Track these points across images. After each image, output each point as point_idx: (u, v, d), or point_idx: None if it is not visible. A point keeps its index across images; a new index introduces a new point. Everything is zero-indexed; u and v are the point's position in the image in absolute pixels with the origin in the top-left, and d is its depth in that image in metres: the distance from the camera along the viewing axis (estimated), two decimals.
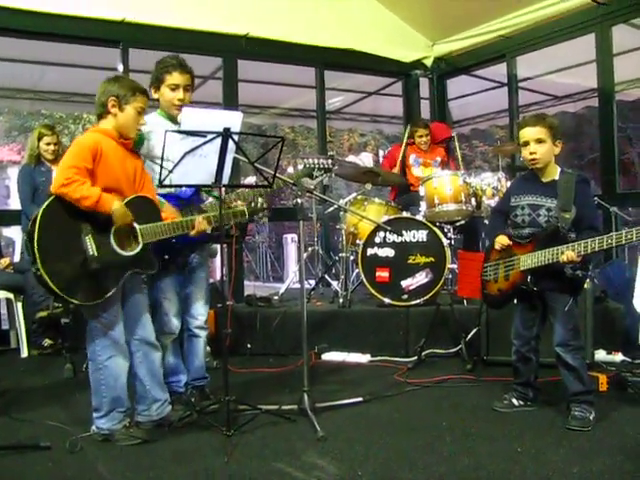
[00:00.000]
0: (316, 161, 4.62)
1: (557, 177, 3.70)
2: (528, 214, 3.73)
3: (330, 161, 4.78)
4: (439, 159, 7.12)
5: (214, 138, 3.42)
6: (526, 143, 3.67)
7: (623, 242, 3.24)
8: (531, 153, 3.65)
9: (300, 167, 4.59)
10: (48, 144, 6.03)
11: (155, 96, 3.94)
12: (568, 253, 3.40)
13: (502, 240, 3.83)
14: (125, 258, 3.39)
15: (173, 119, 3.91)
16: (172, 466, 3.13)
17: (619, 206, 6.41)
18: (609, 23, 6.70)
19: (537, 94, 9.75)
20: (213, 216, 3.63)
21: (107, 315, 3.43)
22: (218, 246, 5.23)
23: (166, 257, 3.66)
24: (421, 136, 7.06)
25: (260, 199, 3.88)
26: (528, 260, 3.64)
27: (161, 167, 3.39)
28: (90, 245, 3.28)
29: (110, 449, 3.37)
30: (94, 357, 3.48)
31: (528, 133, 3.67)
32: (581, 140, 16.25)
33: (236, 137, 3.49)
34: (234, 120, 3.49)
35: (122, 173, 3.49)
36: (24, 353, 5.93)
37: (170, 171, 3.39)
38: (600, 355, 4.99)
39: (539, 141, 3.64)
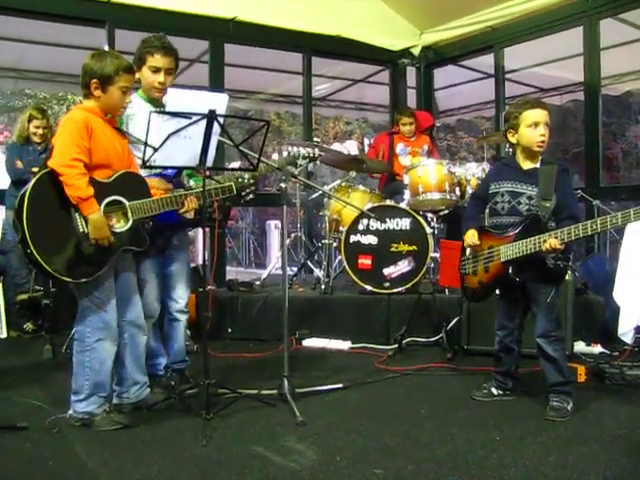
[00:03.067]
0: (301, 150, 4.60)
1: (538, 165, 3.69)
2: (508, 201, 3.69)
3: (315, 150, 4.75)
4: (426, 147, 7.10)
5: (199, 120, 3.39)
6: (536, 124, 3.60)
7: (608, 227, 3.18)
8: (542, 135, 3.61)
9: (285, 154, 4.57)
10: (37, 127, 6.08)
11: (137, 75, 3.89)
12: (551, 241, 3.37)
13: (471, 239, 3.81)
14: (116, 235, 3.35)
15: (154, 102, 3.86)
16: (150, 449, 3.12)
17: (602, 200, 6.46)
18: (597, 17, 6.73)
19: (523, 86, 9.77)
20: (201, 192, 3.56)
21: (100, 295, 3.38)
22: (199, 230, 5.22)
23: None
24: (405, 124, 7.02)
25: (246, 175, 3.83)
26: (509, 251, 3.60)
27: (145, 147, 3.34)
28: (81, 222, 3.25)
29: (88, 431, 3.35)
30: (82, 338, 3.41)
31: (541, 115, 3.61)
32: (566, 134, 16.29)
33: (221, 120, 3.46)
34: (220, 102, 3.45)
35: (112, 149, 3.44)
36: (3, 334, 5.88)
37: (155, 150, 3.33)
38: (579, 346, 5.03)
39: (547, 124, 3.62)
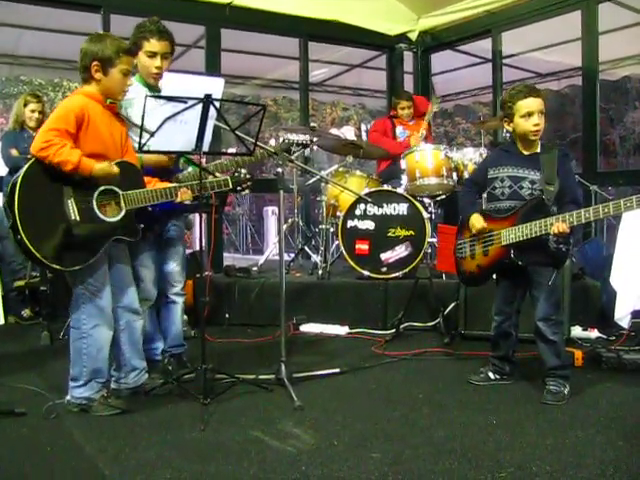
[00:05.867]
0: (294, 137, 4.59)
1: (539, 150, 3.70)
2: (509, 186, 3.69)
3: (308, 137, 4.75)
4: (424, 132, 7.09)
5: (195, 104, 3.37)
6: (530, 114, 3.59)
7: (622, 210, 3.17)
8: (536, 125, 3.60)
9: (280, 140, 4.56)
10: (33, 111, 6.06)
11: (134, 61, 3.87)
12: (559, 224, 3.36)
13: (477, 223, 3.76)
14: (108, 224, 3.33)
15: (150, 87, 3.84)
16: (148, 434, 3.12)
17: (599, 185, 6.46)
18: (595, 1, 6.67)
19: (521, 71, 9.74)
20: (196, 184, 3.57)
21: (94, 282, 3.37)
22: (196, 216, 5.20)
23: (142, 225, 3.61)
24: (403, 108, 6.99)
25: (243, 170, 3.84)
26: (511, 234, 3.59)
27: (141, 132, 3.32)
28: (72, 210, 3.23)
29: (86, 416, 3.36)
30: (78, 325, 3.40)
31: (534, 104, 3.60)
32: (564, 119, 16.28)
33: (217, 104, 3.45)
34: (215, 86, 3.44)
35: (109, 138, 3.42)
36: (1, 321, 5.86)
37: (151, 135, 3.32)
38: (576, 331, 5.04)
39: (541, 112, 3.61)
